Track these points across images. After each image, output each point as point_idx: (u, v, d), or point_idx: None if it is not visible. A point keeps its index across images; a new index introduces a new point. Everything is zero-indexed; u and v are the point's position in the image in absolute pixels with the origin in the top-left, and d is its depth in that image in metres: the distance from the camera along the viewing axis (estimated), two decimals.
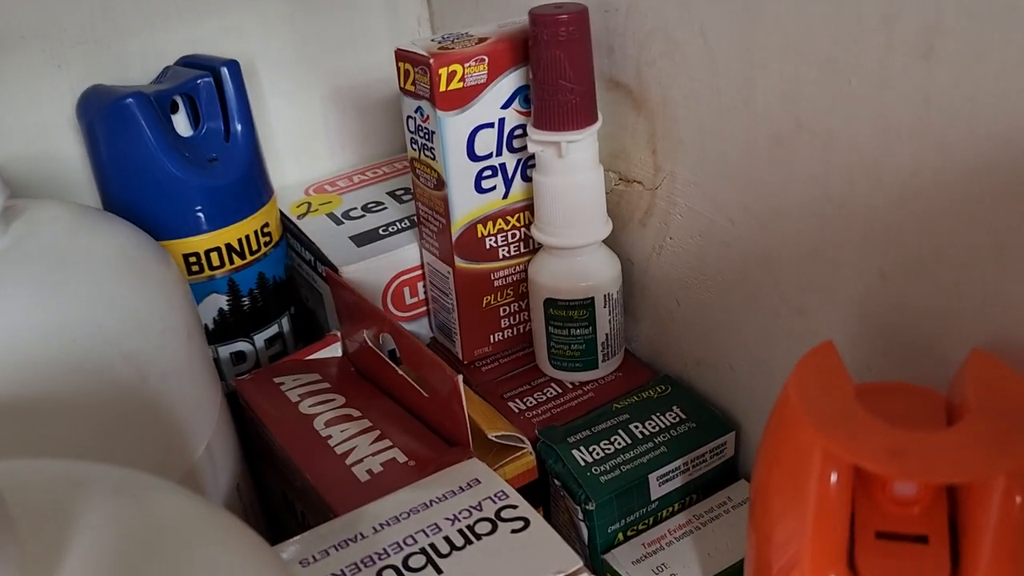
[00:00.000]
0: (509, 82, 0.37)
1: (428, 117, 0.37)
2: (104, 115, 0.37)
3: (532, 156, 0.37)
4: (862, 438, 0.21)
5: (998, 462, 0.20)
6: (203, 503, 0.21)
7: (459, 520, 0.28)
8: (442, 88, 0.36)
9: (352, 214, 0.44)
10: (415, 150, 0.39)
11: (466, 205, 0.38)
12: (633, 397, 0.37)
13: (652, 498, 0.34)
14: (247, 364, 0.42)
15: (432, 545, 0.27)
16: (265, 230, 0.41)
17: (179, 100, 0.39)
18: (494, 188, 0.39)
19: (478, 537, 0.27)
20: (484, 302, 0.41)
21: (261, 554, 0.20)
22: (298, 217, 0.45)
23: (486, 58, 0.36)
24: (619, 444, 0.34)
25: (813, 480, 0.22)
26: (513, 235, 0.40)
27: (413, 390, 0.34)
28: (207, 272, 0.39)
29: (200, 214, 0.39)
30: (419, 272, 0.43)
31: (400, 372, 0.35)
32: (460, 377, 0.31)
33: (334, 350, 0.40)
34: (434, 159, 0.38)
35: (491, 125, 0.37)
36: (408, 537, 0.27)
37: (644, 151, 0.37)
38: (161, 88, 0.39)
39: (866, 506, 0.23)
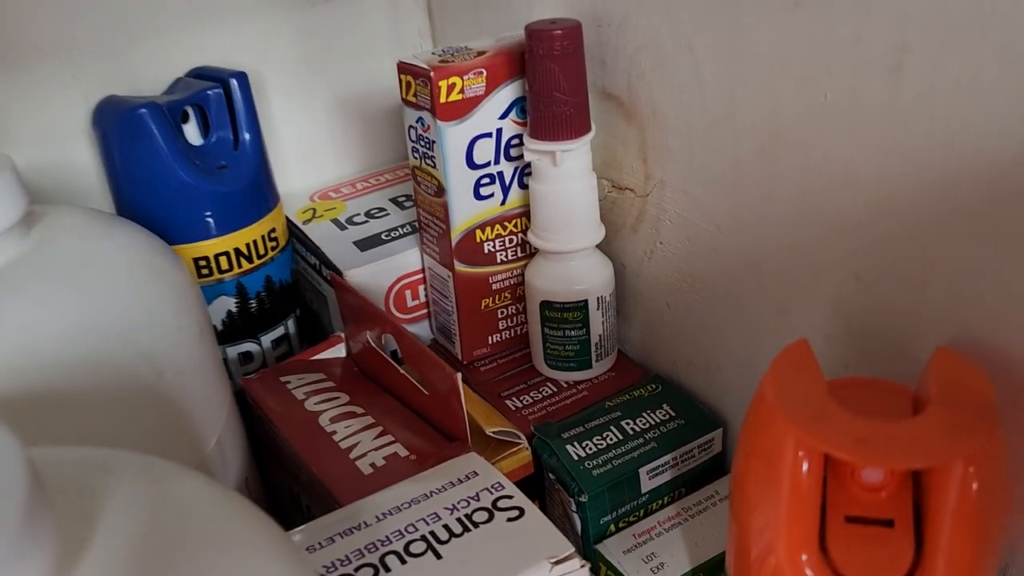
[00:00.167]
0: (506, 94, 0.38)
1: (429, 127, 0.38)
2: (118, 124, 0.39)
3: (528, 164, 0.38)
4: (831, 427, 0.22)
5: (956, 448, 0.22)
6: (220, 487, 0.22)
7: (457, 509, 0.29)
8: (442, 99, 0.37)
9: (355, 220, 0.46)
10: (416, 158, 0.40)
11: (465, 211, 0.40)
12: (625, 395, 0.39)
13: (642, 491, 0.35)
14: (254, 364, 0.43)
15: (432, 532, 0.28)
16: (272, 235, 0.42)
17: (190, 110, 0.41)
18: (492, 195, 0.40)
19: (475, 525, 0.28)
20: (483, 305, 0.42)
21: (275, 535, 0.22)
22: (303, 223, 0.46)
23: (484, 71, 0.37)
24: (611, 440, 0.36)
25: (786, 468, 0.23)
26: (510, 240, 0.41)
27: (414, 388, 0.35)
28: (216, 275, 0.41)
29: (210, 219, 0.40)
30: (420, 276, 0.44)
31: (402, 371, 0.36)
32: (459, 375, 0.32)
33: (338, 351, 0.41)
34: (435, 167, 0.39)
35: (489, 135, 0.39)
36: (409, 525, 0.29)
37: (635, 160, 0.38)
38: (173, 99, 0.40)
39: (837, 492, 0.24)
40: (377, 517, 0.29)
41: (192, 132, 0.41)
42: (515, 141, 0.39)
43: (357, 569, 0.27)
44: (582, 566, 0.27)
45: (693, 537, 0.34)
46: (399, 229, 0.45)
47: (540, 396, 0.40)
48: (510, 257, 0.41)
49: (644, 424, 0.37)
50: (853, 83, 0.26)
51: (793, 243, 0.31)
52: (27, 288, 0.29)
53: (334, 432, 0.35)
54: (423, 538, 0.28)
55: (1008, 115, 0.23)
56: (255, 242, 0.41)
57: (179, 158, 0.39)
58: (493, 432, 0.35)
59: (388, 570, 0.27)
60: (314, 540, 0.29)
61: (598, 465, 0.35)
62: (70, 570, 0.16)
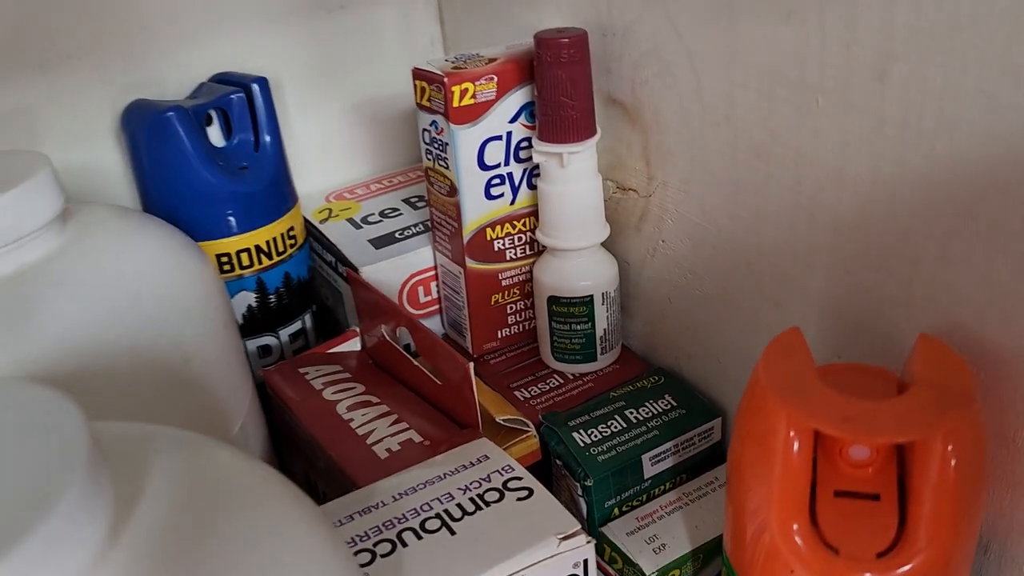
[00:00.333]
0: (516, 99, 0.40)
1: (442, 130, 0.40)
2: (147, 127, 0.40)
3: (537, 166, 0.40)
4: (820, 406, 0.24)
5: (936, 424, 0.23)
6: (253, 459, 0.24)
7: (470, 490, 0.30)
8: (455, 104, 0.38)
9: (370, 219, 0.47)
10: (430, 160, 0.42)
11: (476, 210, 0.41)
12: (629, 387, 0.40)
13: (645, 477, 0.37)
14: (273, 357, 0.45)
15: (446, 511, 0.29)
16: (291, 233, 0.44)
17: (213, 113, 0.43)
18: (502, 195, 0.41)
19: (487, 504, 0.30)
20: (492, 300, 0.44)
21: (306, 503, 0.23)
22: (320, 222, 0.48)
23: (495, 77, 0.39)
24: (615, 428, 0.37)
25: (778, 446, 0.25)
26: (519, 238, 0.43)
27: (427, 379, 0.37)
28: (237, 271, 0.43)
29: (232, 218, 0.42)
30: (432, 273, 0.45)
31: (415, 363, 0.38)
32: (471, 364, 0.34)
33: (353, 344, 0.43)
34: (447, 168, 0.41)
35: (499, 138, 0.40)
36: (424, 504, 0.30)
37: (639, 162, 0.40)
38: (197, 102, 0.42)
39: (826, 469, 0.26)
40: (394, 497, 0.31)
41: (215, 134, 0.43)
42: (524, 144, 0.41)
43: (376, 544, 0.29)
44: (588, 542, 0.29)
45: (693, 520, 0.36)
46: (412, 228, 0.46)
47: (548, 387, 0.41)
48: (519, 255, 0.43)
49: (647, 413, 0.38)
50: (843, 88, 0.28)
51: (787, 239, 0.33)
52: (65, 279, 0.31)
53: (351, 420, 0.37)
54: (438, 516, 0.29)
55: (987, 118, 0.24)
56: (274, 240, 0.43)
57: (203, 159, 0.40)
58: (503, 420, 0.36)
59: (405, 545, 0.29)
60: (335, 518, 0.30)
61: (603, 452, 0.36)
62: (123, 524, 0.18)
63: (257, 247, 0.43)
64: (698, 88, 0.34)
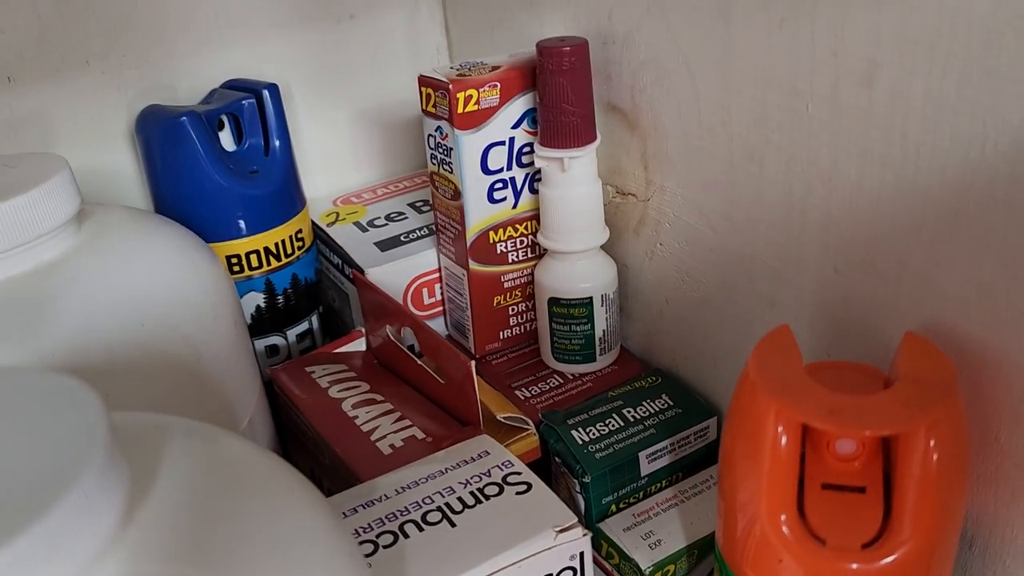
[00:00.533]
0: (519, 105, 0.40)
1: (447, 135, 0.41)
2: (160, 131, 0.41)
3: (538, 170, 0.41)
4: (807, 400, 0.25)
5: (919, 417, 0.24)
6: (263, 449, 0.25)
7: (470, 484, 0.31)
8: (460, 110, 0.39)
9: (376, 223, 0.48)
10: (434, 165, 0.43)
11: (480, 214, 0.42)
12: (627, 387, 0.41)
13: (642, 474, 0.38)
14: (280, 356, 0.46)
15: (447, 504, 0.30)
16: (299, 236, 0.45)
17: (225, 119, 0.44)
18: (505, 199, 0.42)
19: (487, 498, 0.30)
20: (495, 302, 0.44)
21: (312, 490, 0.24)
22: (327, 225, 0.49)
23: (499, 84, 0.40)
24: (613, 426, 0.38)
25: (767, 439, 0.26)
26: (521, 241, 0.43)
27: (430, 378, 0.38)
28: (247, 272, 0.44)
29: (241, 220, 0.43)
30: (436, 275, 0.46)
31: (419, 363, 0.38)
32: (473, 363, 0.35)
33: (359, 344, 0.44)
34: (451, 173, 0.42)
35: (502, 143, 0.41)
36: (426, 498, 0.31)
37: (637, 167, 0.41)
38: (210, 108, 0.43)
39: (814, 462, 0.27)
40: (396, 491, 0.31)
41: (227, 139, 0.44)
42: (526, 149, 0.41)
43: (378, 535, 0.29)
44: (584, 535, 0.29)
45: (688, 517, 0.36)
46: (417, 232, 0.47)
47: (548, 387, 0.42)
48: (521, 257, 0.44)
49: (644, 412, 0.39)
50: (832, 94, 0.29)
51: (780, 240, 0.33)
52: (81, 277, 0.32)
53: (356, 417, 0.38)
54: (439, 509, 0.30)
55: (968, 123, 0.25)
56: (283, 242, 0.44)
57: (215, 163, 0.41)
58: (503, 418, 0.37)
59: (407, 536, 0.29)
60: (339, 510, 0.31)
61: (601, 449, 0.37)
62: (138, 506, 0.19)
63: (266, 249, 0.44)
64: (695, 95, 0.35)
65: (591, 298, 0.41)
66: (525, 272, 0.44)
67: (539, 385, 0.42)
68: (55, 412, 0.19)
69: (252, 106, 0.43)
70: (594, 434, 0.38)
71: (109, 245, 0.34)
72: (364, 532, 0.30)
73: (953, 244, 0.27)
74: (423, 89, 0.41)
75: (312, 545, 0.21)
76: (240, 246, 0.43)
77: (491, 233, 0.42)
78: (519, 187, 0.42)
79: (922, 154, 0.27)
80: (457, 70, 0.40)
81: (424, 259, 0.46)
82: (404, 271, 0.45)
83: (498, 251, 0.43)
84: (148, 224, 0.36)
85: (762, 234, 0.34)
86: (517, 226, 0.43)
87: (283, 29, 0.49)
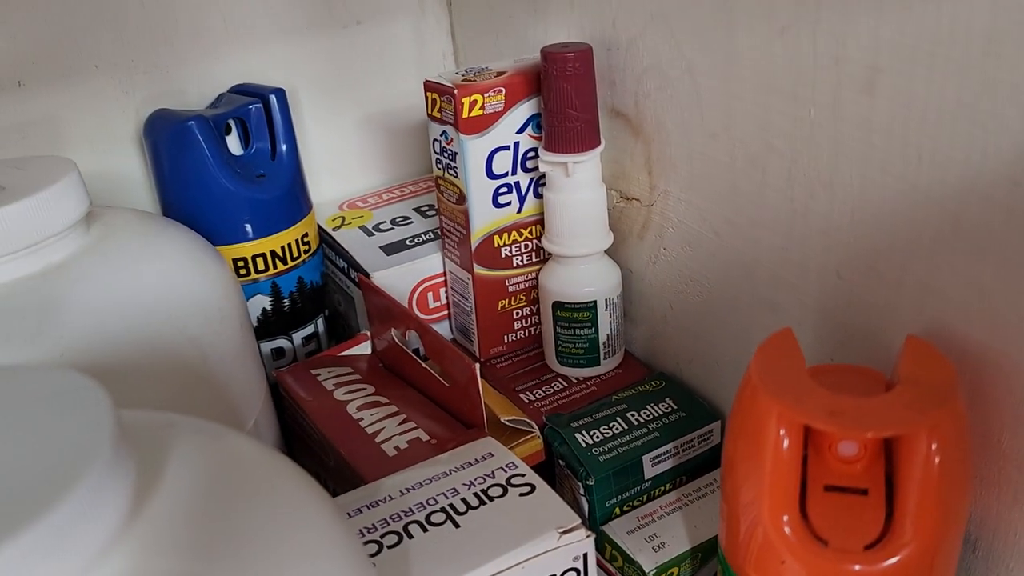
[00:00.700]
0: (523, 110, 0.41)
1: (452, 140, 0.41)
2: (169, 135, 0.42)
3: (543, 175, 0.41)
4: (808, 402, 0.25)
5: (920, 419, 0.24)
6: (268, 447, 0.25)
7: (474, 485, 0.31)
8: (465, 115, 0.40)
9: (382, 227, 0.49)
10: (440, 169, 0.43)
11: (484, 218, 0.42)
12: (631, 390, 0.41)
13: (645, 477, 0.38)
14: (286, 359, 0.46)
15: (451, 505, 0.30)
16: (305, 239, 0.46)
17: (232, 123, 0.44)
18: (509, 203, 0.42)
19: (491, 499, 0.30)
20: (499, 306, 0.45)
21: (317, 489, 0.24)
22: (333, 229, 0.49)
23: (503, 89, 0.40)
24: (617, 429, 0.38)
25: (769, 441, 0.26)
26: (526, 245, 0.44)
27: (435, 381, 0.38)
28: (253, 275, 0.44)
29: (248, 224, 0.43)
30: (441, 279, 0.46)
31: (424, 366, 0.39)
32: (477, 365, 0.35)
33: (364, 348, 0.44)
34: (457, 177, 0.42)
35: (507, 148, 0.41)
36: (430, 499, 0.31)
37: (641, 172, 0.41)
38: (217, 112, 0.43)
39: (817, 464, 0.27)
40: (401, 492, 0.32)
41: (234, 143, 0.44)
42: (531, 154, 0.42)
43: (383, 536, 0.30)
44: (588, 536, 0.29)
45: (692, 520, 0.37)
46: (422, 236, 0.47)
47: (552, 390, 0.42)
48: (525, 261, 0.44)
49: (648, 416, 0.39)
50: (833, 100, 0.29)
51: (782, 245, 0.34)
52: (90, 277, 0.32)
53: (361, 419, 0.38)
54: (443, 510, 0.30)
55: (968, 129, 0.25)
56: (289, 245, 0.44)
57: (222, 167, 0.42)
58: (508, 421, 0.37)
59: (411, 537, 0.29)
60: (343, 511, 0.31)
61: (604, 452, 0.37)
62: (145, 501, 0.19)
63: (272, 252, 0.44)
64: (698, 101, 0.36)
65: (595, 302, 0.41)
66: (529, 276, 0.45)
67: (543, 388, 0.43)
68: (63, 408, 0.19)
69: (259, 111, 0.44)
70: (598, 437, 0.38)
71: (117, 247, 0.34)
72: (369, 532, 0.30)
73: (954, 248, 0.27)
74: (428, 94, 0.41)
75: (317, 541, 0.21)
76: (246, 249, 0.43)
77: (496, 237, 0.43)
78: (524, 191, 0.43)
79: (923, 159, 0.27)
80: (462, 75, 0.41)
81: (429, 263, 0.46)
82: (409, 275, 0.46)
83: (503, 255, 0.43)
84: (156, 226, 0.37)
85: (765, 239, 0.34)
86: (522, 230, 0.43)
87: (290, 34, 0.49)
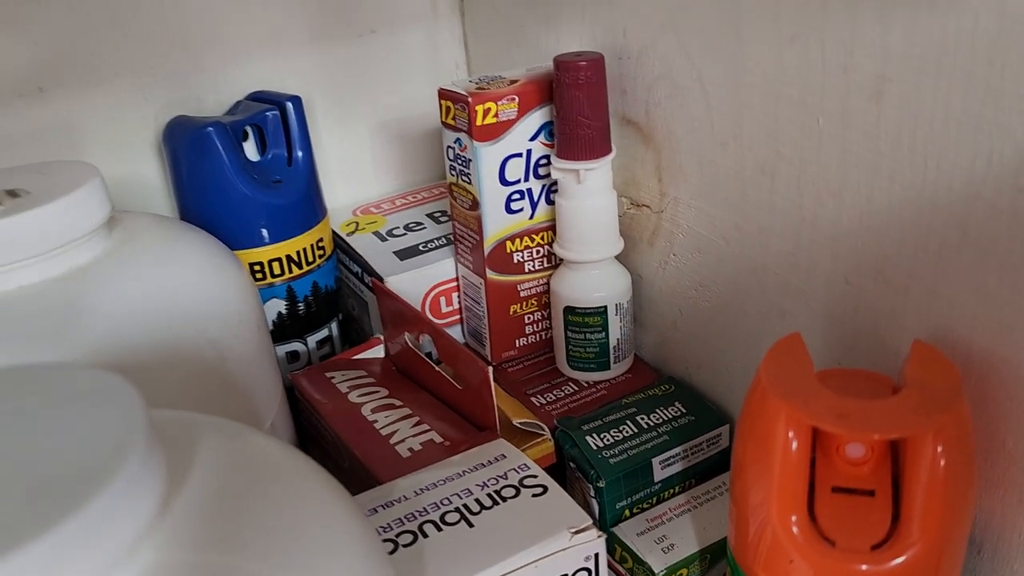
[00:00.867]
0: (536, 118, 0.41)
1: (466, 147, 0.42)
2: (187, 141, 0.42)
3: (555, 182, 0.42)
4: (816, 404, 0.26)
5: (926, 422, 0.25)
6: (289, 446, 0.26)
7: (487, 486, 0.32)
8: (478, 122, 0.40)
9: (395, 232, 0.49)
10: (453, 176, 0.44)
11: (497, 224, 0.43)
12: (640, 394, 0.41)
13: (655, 480, 0.38)
14: (300, 363, 0.47)
15: (465, 505, 0.31)
16: (320, 244, 0.46)
17: (249, 130, 0.45)
18: (522, 210, 0.43)
19: (504, 499, 0.31)
20: (511, 311, 0.45)
21: (337, 486, 0.25)
22: (347, 234, 0.49)
23: (516, 97, 0.41)
24: (627, 432, 0.39)
25: (778, 443, 0.26)
26: (538, 251, 0.44)
27: (448, 384, 0.38)
28: (269, 279, 0.45)
29: (264, 229, 0.44)
30: (454, 284, 0.47)
31: (437, 369, 0.39)
32: (491, 368, 0.35)
33: (377, 351, 0.44)
34: (470, 183, 0.43)
35: (520, 155, 0.42)
36: (444, 499, 0.31)
37: (652, 179, 0.41)
38: (235, 119, 0.44)
39: (824, 466, 0.27)
40: (415, 492, 0.32)
41: (251, 149, 0.45)
42: (543, 161, 0.42)
43: (398, 535, 0.30)
44: (599, 536, 0.30)
45: (701, 522, 0.37)
46: (435, 241, 0.48)
47: (563, 394, 0.43)
48: (537, 267, 0.45)
49: (657, 419, 0.40)
50: (842, 108, 0.30)
51: (791, 251, 0.34)
52: (112, 281, 0.33)
53: (375, 421, 0.39)
54: (457, 510, 0.31)
55: (974, 136, 0.26)
56: (304, 250, 0.45)
57: (240, 173, 0.42)
58: (519, 423, 0.38)
59: (426, 536, 0.30)
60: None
61: (615, 455, 0.38)
62: (174, 496, 0.20)
63: (288, 257, 0.45)
64: (708, 109, 0.36)
65: (605, 307, 0.42)
66: (541, 281, 0.45)
67: (554, 392, 0.43)
68: (97, 405, 0.20)
69: (276, 118, 0.44)
70: (608, 440, 0.39)
71: (138, 250, 0.35)
72: (384, 531, 0.31)
73: (960, 254, 0.28)
74: (443, 102, 0.42)
75: (339, 535, 0.22)
76: (263, 254, 0.44)
77: (508, 243, 0.43)
78: (536, 198, 0.43)
79: (929, 166, 0.28)
80: (476, 84, 0.41)
81: (442, 268, 0.46)
82: (422, 280, 0.46)
83: (515, 261, 0.44)
84: (175, 231, 0.37)
85: (773, 245, 0.35)
86: (534, 236, 0.44)
87: (306, 43, 0.50)
